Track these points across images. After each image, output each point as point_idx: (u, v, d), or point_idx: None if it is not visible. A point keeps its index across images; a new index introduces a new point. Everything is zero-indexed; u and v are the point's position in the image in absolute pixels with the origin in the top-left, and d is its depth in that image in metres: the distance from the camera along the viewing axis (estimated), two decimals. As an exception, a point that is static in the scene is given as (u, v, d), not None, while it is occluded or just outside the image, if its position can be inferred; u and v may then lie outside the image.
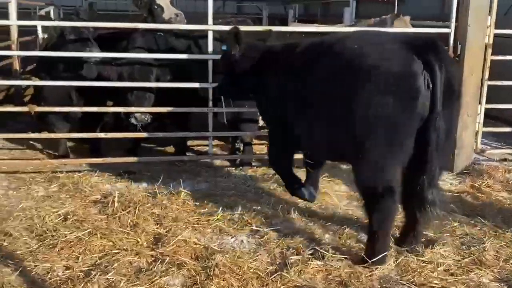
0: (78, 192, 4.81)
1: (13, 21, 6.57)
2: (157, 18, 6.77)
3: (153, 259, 3.62)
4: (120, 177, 5.30)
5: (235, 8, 19.75)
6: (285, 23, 11.14)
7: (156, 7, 7.26)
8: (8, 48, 6.57)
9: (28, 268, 3.40)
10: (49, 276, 3.35)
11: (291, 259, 3.68)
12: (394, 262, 3.61)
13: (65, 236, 3.80)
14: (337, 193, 4.97)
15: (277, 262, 3.66)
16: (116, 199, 4.43)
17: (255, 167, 5.73)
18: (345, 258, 3.66)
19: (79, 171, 5.36)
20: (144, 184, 5.07)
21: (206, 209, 4.48)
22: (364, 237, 3.94)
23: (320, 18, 12.88)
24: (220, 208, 4.44)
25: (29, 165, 5.47)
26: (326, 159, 4.54)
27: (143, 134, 5.70)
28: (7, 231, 3.88)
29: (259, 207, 4.54)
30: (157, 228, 4.07)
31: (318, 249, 3.79)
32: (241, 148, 6.09)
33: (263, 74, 4.29)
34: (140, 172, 5.48)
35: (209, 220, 4.26)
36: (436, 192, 3.50)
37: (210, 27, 5.41)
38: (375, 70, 3.34)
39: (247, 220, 4.26)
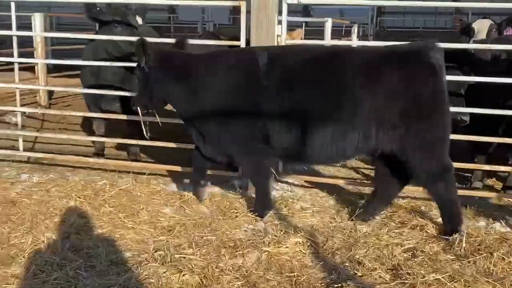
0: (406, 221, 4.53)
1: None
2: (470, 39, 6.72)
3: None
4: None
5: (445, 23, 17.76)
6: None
7: (469, 29, 7.08)
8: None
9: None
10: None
11: None
12: None
13: (423, 277, 3.48)
14: None
15: None
16: (464, 238, 3.98)
17: None
18: None
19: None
20: (482, 223, 4.52)
21: None
22: None
23: None
24: None
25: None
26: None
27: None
28: (360, 260, 3.76)
29: None
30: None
31: None
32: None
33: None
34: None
35: None
36: None
37: None
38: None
39: None
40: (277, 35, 4.96)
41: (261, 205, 4.64)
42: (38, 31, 9.36)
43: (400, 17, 18.62)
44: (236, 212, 4.70)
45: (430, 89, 4.10)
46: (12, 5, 5.61)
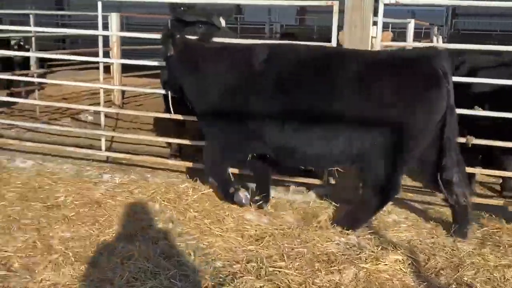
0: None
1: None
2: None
3: None
4: None
5: None
6: None
7: None
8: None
9: None
10: None
11: None
12: None
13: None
14: None
15: None
16: None
17: None
18: None
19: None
20: None
21: None
22: None
23: None
24: None
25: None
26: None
27: None
28: (469, 282, 3.45)
29: None
30: None
31: None
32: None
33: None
34: None
35: None
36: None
37: None
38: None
39: None
40: (372, 37, 4.71)
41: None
42: (114, 30, 9.46)
43: (476, 19, 17.79)
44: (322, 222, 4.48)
45: (429, 98, 3.91)
46: (99, 4, 5.62)
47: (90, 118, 9.03)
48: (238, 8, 18.87)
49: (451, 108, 3.98)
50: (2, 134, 7.49)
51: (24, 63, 10.04)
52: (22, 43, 10.39)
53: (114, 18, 9.52)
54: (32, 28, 8.09)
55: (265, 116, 4.22)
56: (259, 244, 4.02)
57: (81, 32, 8.37)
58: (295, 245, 4.03)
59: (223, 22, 5.72)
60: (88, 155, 6.26)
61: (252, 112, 4.27)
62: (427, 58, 3.97)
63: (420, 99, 3.92)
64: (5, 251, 3.78)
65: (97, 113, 9.00)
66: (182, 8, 5.66)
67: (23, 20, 14.16)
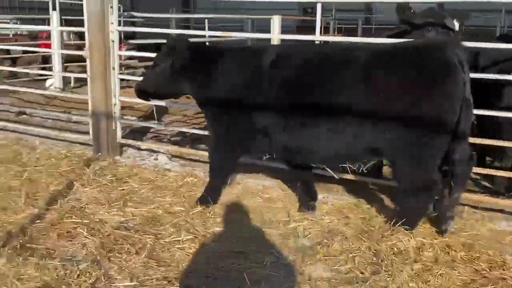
0: None
1: None
2: None
3: None
4: None
5: None
6: None
7: None
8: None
9: None
10: None
11: None
12: None
13: None
14: None
15: None
16: None
17: None
18: None
19: None
20: None
21: None
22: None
23: None
24: None
25: None
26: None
27: None
28: None
29: None
30: None
31: None
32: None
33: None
34: None
35: None
36: None
37: None
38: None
39: None
40: None
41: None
42: (276, 34, 8.98)
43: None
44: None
45: (442, 91, 3.71)
46: (318, 6, 5.13)
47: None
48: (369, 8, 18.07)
49: (466, 102, 3.76)
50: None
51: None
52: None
53: (276, 21, 9.05)
54: (206, 33, 7.83)
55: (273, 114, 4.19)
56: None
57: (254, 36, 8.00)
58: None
59: (457, 25, 4.98)
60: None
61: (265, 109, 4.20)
62: (438, 49, 3.82)
63: (429, 88, 3.73)
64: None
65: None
66: (412, 11, 5.00)
67: (147, 24, 14.18)
